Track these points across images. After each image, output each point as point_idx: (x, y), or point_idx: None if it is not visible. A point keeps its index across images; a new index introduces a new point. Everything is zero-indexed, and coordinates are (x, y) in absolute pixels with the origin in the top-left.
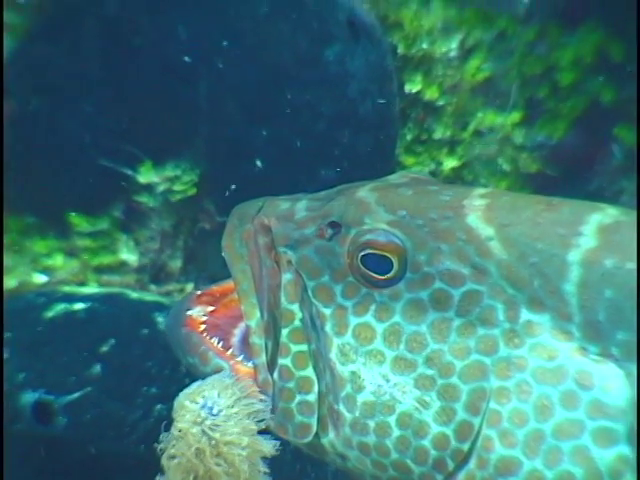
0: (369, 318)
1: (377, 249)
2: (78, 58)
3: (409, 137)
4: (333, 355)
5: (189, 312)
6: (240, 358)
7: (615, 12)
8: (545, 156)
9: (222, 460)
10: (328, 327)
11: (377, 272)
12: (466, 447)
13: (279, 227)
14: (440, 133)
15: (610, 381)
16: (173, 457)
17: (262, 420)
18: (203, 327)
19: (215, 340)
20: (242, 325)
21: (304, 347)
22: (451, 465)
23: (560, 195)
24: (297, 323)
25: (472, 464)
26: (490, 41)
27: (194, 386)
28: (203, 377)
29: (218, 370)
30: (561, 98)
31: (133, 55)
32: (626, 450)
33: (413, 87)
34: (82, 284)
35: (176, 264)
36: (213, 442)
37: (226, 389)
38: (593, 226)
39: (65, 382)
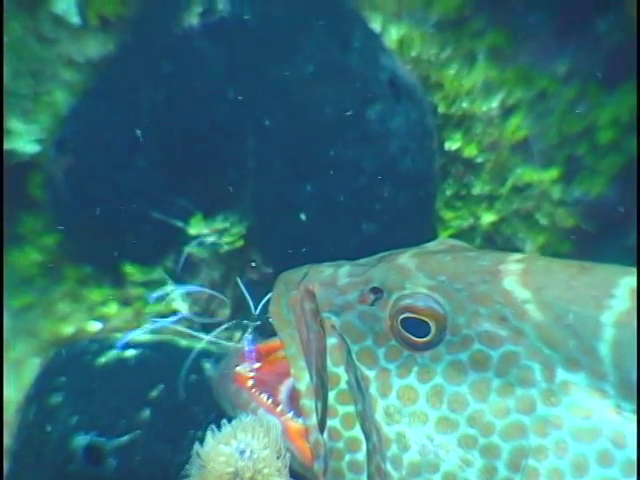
0: (412, 380)
1: (416, 313)
2: (132, 115)
3: (449, 192)
4: (379, 416)
5: (237, 368)
6: (290, 414)
7: None
8: (581, 211)
9: None
10: (373, 389)
11: (416, 335)
12: None
13: (323, 293)
14: (479, 189)
15: None
16: None
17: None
18: (251, 383)
19: (264, 396)
20: (288, 382)
21: (351, 408)
22: None
23: (597, 250)
24: (343, 385)
25: None
26: (530, 100)
27: (226, 430)
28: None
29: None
30: (600, 155)
31: (184, 113)
32: None
33: (453, 145)
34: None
35: (224, 313)
36: None
37: (257, 431)
38: (625, 288)
39: (116, 425)
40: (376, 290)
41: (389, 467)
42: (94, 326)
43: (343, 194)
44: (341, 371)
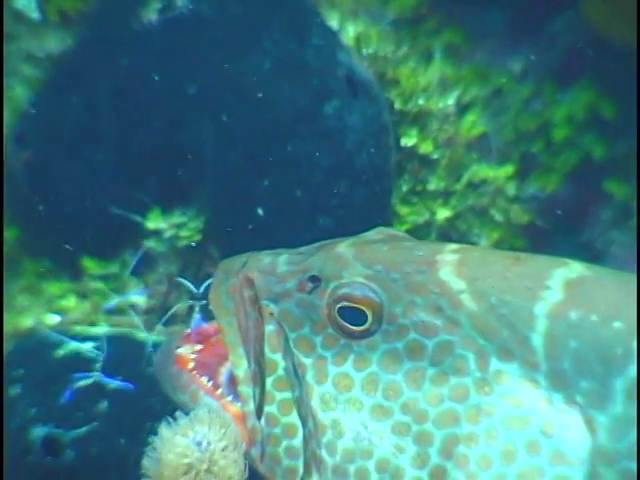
0: (347, 368)
1: (353, 302)
2: (90, 109)
3: (405, 188)
4: (314, 403)
5: (178, 350)
6: (230, 398)
7: (607, 72)
8: (536, 208)
9: None
10: (309, 376)
11: (353, 324)
12: None
13: (261, 281)
14: (434, 184)
15: (571, 431)
16: None
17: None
18: (192, 365)
19: (205, 379)
20: (229, 364)
21: (288, 395)
22: None
23: (552, 246)
24: (280, 372)
25: None
26: (486, 97)
27: (183, 421)
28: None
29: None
30: (554, 153)
31: (143, 108)
32: None
33: (409, 141)
34: (93, 324)
35: (182, 306)
36: (202, 475)
37: (214, 423)
38: (559, 280)
39: (73, 417)
40: (314, 278)
41: (324, 453)
42: (53, 319)
43: (300, 189)
44: (279, 358)
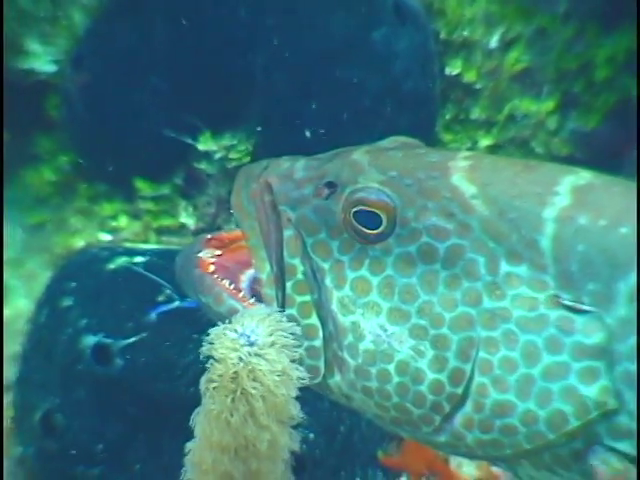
0: (364, 272)
1: (368, 205)
2: (145, 34)
3: (448, 116)
4: (334, 306)
5: (200, 254)
6: (252, 300)
7: None
8: (576, 141)
9: (258, 384)
10: (328, 280)
11: (368, 227)
12: (460, 391)
13: (280, 187)
14: (477, 114)
15: (588, 325)
16: (212, 381)
17: (294, 351)
18: (213, 268)
19: (226, 282)
20: (249, 272)
21: (307, 298)
22: (447, 407)
23: None
24: (300, 276)
25: (469, 407)
26: (530, 36)
27: (234, 317)
28: (216, 316)
29: (232, 310)
30: (595, 93)
31: (196, 32)
32: (607, 382)
33: (453, 70)
34: (144, 242)
35: (230, 227)
36: (250, 367)
37: (263, 321)
38: (567, 186)
39: (123, 328)
40: (330, 184)
41: (346, 355)
42: (104, 238)
43: (347, 113)
44: (297, 262)
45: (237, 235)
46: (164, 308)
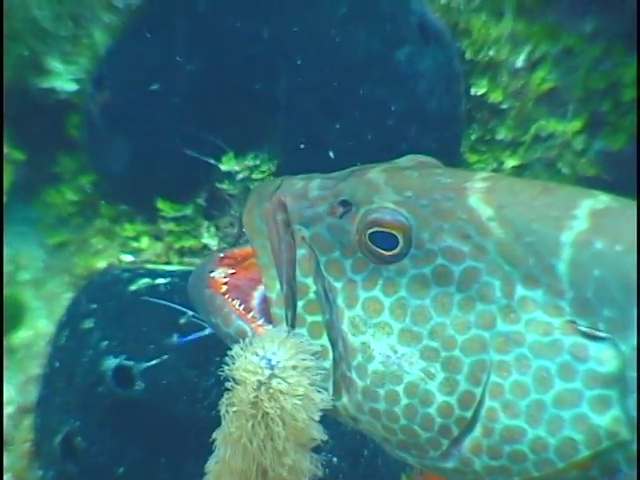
0: (377, 292)
1: (384, 227)
2: (167, 54)
3: (474, 137)
4: (345, 326)
5: (212, 274)
6: (261, 321)
7: None
8: (603, 162)
9: (279, 408)
10: (340, 300)
11: (384, 248)
12: (469, 415)
13: (294, 205)
14: (503, 134)
15: (602, 352)
16: (232, 405)
17: (316, 373)
18: (225, 288)
19: (237, 302)
20: (261, 288)
21: (319, 318)
22: (456, 431)
23: None
24: (312, 296)
25: (478, 432)
26: (556, 55)
27: (254, 341)
28: (226, 337)
29: (240, 331)
30: (622, 113)
31: (219, 52)
32: (619, 412)
33: (479, 90)
34: (166, 264)
35: (244, 244)
36: (271, 391)
37: (284, 343)
38: (585, 210)
39: (144, 350)
40: (345, 203)
41: (354, 376)
42: (126, 259)
43: (371, 133)
44: (310, 281)
45: (249, 251)
46: (194, 336)
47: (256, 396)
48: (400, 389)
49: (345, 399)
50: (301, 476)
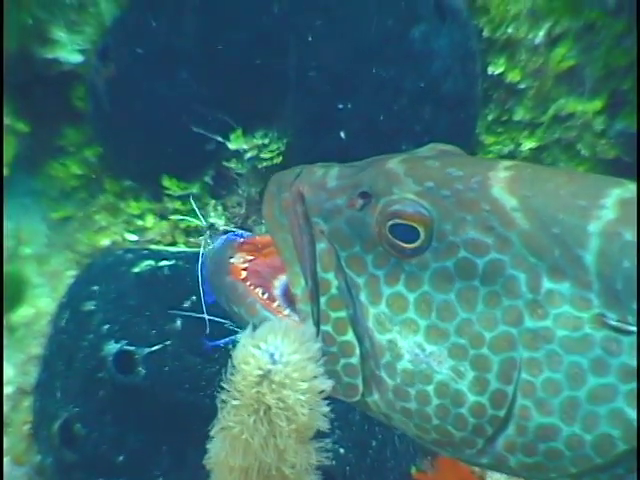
0: (400, 288)
1: (404, 219)
2: (176, 28)
3: (490, 117)
4: (370, 324)
5: (231, 260)
6: (287, 312)
7: None
8: (623, 143)
9: (282, 403)
10: (363, 296)
11: (405, 241)
12: (502, 413)
13: (312, 197)
14: (520, 115)
15: (634, 346)
16: (232, 398)
17: (320, 365)
18: (244, 274)
19: (259, 291)
20: (282, 277)
21: (343, 313)
22: (490, 430)
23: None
24: (334, 291)
25: (511, 431)
26: (577, 31)
27: (257, 332)
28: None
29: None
30: None
31: (229, 27)
32: None
33: (496, 69)
34: (171, 244)
35: (261, 230)
36: (274, 386)
37: (287, 335)
38: (613, 199)
39: (147, 335)
40: (364, 195)
41: (384, 374)
42: (130, 238)
43: (383, 113)
44: (331, 277)
45: (270, 240)
46: (225, 341)
47: (258, 391)
48: (430, 389)
49: (376, 396)
50: (304, 474)
